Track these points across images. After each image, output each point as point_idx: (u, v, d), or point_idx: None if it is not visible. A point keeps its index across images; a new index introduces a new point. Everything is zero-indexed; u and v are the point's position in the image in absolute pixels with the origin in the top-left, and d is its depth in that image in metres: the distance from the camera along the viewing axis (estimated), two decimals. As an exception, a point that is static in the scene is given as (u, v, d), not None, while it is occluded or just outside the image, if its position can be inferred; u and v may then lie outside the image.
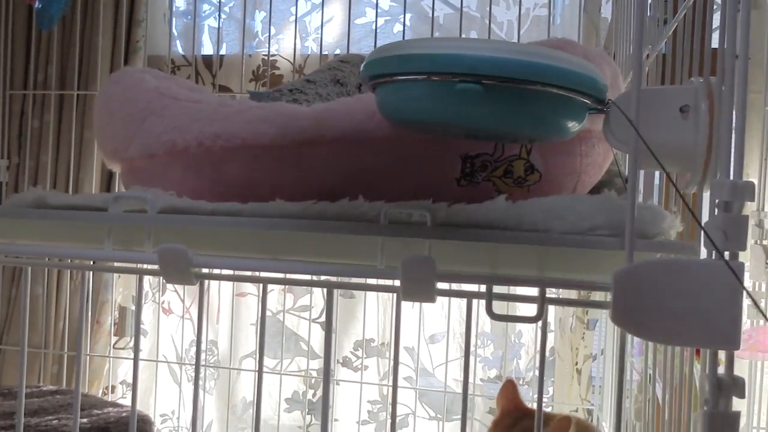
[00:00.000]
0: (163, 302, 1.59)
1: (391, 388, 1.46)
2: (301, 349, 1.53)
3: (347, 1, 1.48)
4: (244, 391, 1.56)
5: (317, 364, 1.53)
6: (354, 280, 0.89)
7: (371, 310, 1.46)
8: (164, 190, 0.80)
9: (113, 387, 1.59)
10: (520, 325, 1.47)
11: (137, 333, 0.60)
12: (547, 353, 1.49)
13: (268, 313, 1.54)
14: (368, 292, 1.44)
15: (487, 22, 1.43)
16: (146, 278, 1.53)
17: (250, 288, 1.54)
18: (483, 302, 0.56)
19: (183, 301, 1.59)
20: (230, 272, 0.63)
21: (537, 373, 1.47)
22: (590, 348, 1.43)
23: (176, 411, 1.61)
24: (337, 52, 1.55)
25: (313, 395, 1.52)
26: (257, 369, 1.15)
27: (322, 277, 0.63)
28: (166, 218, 0.61)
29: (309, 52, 1.58)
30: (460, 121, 0.65)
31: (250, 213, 0.61)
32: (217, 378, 1.57)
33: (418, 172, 0.79)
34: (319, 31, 1.52)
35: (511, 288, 1.01)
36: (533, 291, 0.58)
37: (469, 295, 0.58)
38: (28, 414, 1.23)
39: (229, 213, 0.61)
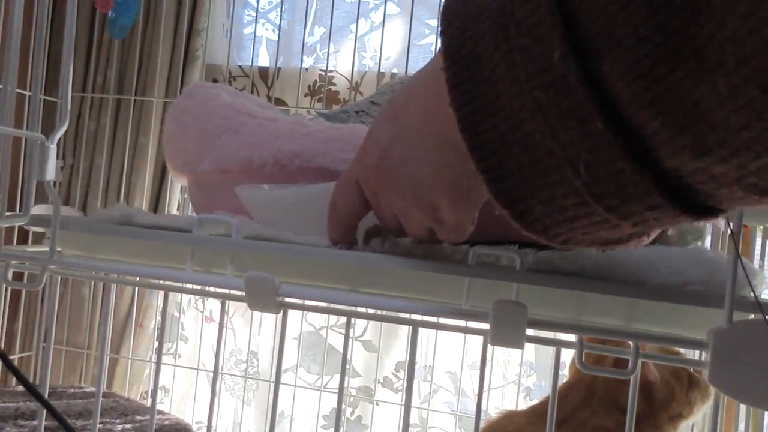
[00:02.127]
0: (205, 310, 1.60)
1: (428, 412, 1.44)
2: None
3: (408, 22, 1.48)
4: (282, 405, 1.55)
5: (357, 382, 1.52)
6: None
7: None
8: (234, 205, 0.80)
9: (150, 392, 1.60)
10: (564, 356, 1.45)
11: (161, 340, 0.60)
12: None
13: (309, 328, 1.54)
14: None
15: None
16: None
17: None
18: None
19: (227, 311, 1.59)
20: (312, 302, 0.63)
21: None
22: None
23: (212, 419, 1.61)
24: (395, 71, 1.55)
25: (352, 413, 1.51)
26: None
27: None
28: (252, 244, 0.61)
29: (366, 70, 1.58)
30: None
31: (325, 245, 0.60)
32: (256, 390, 1.57)
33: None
34: (378, 50, 1.52)
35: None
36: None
37: (559, 344, 0.57)
38: (74, 416, 1.24)
39: (314, 244, 0.60)
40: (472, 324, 0.59)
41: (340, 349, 1.54)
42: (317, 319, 1.53)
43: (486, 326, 0.58)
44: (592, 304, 0.60)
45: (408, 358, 0.54)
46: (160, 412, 1.35)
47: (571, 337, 0.58)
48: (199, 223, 0.63)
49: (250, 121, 0.86)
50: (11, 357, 1.60)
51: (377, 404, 1.48)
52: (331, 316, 1.50)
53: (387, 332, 1.48)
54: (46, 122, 1.47)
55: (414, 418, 1.48)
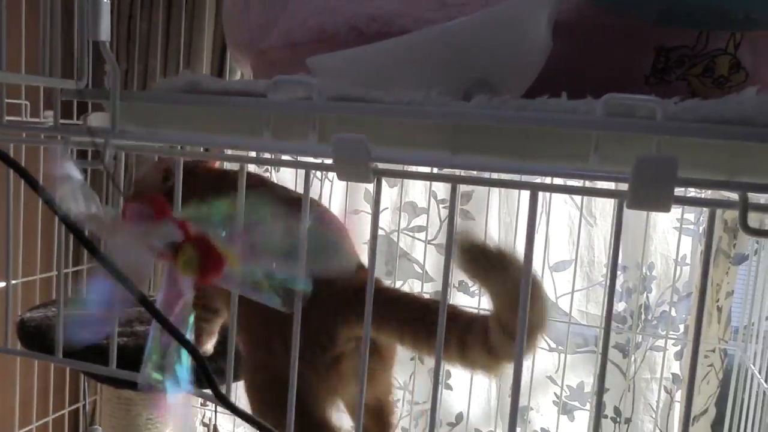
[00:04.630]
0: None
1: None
2: (415, 271, 1.46)
3: None
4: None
5: (431, 287, 1.46)
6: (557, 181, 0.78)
7: (492, 232, 1.37)
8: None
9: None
10: (652, 256, 1.35)
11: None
12: (682, 288, 1.37)
13: (380, 232, 1.47)
14: (489, 213, 1.34)
15: None
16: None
17: (363, 205, 1.47)
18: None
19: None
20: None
21: (668, 308, 1.36)
22: (733, 285, 1.30)
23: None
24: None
25: (426, 319, 1.46)
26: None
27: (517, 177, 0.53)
28: (338, 106, 0.53)
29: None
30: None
31: (435, 104, 0.51)
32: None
33: (602, 64, 0.68)
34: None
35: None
36: None
37: (714, 204, 0.47)
38: (144, 322, 1.21)
39: (412, 103, 0.51)
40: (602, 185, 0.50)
41: (412, 253, 1.47)
42: (387, 222, 1.46)
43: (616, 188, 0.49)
44: (748, 162, 0.50)
45: (527, 230, 0.45)
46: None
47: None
48: (275, 86, 0.55)
49: (320, -15, 0.76)
50: (80, 267, 1.60)
51: (453, 309, 1.42)
52: (403, 215, 1.43)
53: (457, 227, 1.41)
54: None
55: (492, 322, 1.41)
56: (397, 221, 1.45)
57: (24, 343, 1.17)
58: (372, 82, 0.56)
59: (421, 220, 1.45)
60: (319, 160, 0.56)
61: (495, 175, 0.52)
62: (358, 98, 0.53)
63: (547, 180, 0.83)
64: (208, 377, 0.45)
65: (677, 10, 0.58)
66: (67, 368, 1.57)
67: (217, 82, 0.57)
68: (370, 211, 1.46)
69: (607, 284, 1.33)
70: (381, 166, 0.51)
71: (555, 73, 0.61)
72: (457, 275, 1.43)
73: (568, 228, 1.36)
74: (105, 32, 0.54)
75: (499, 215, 1.39)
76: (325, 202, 1.48)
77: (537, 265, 1.36)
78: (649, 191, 0.45)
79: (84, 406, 1.66)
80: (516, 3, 0.53)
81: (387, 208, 1.46)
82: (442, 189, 1.40)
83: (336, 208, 1.48)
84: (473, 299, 1.43)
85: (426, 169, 0.83)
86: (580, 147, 0.50)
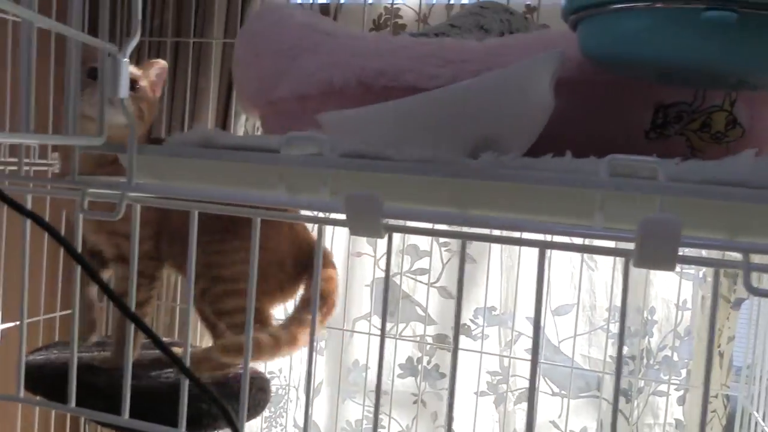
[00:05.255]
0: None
1: (510, 360, 1.38)
2: (417, 314, 1.47)
3: (479, -55, 1.37)
4: (357, 354, 1.51)
5: (433, 330, 1.46)
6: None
7: (494, 275, 1.38)
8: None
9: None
10: (653, 301, 1.36)
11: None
12: (683, 332, 1.37)
13: (383, 275, 1.48)
14: (491, 257, 1.35)
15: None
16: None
17: (366, 248, 1.48)
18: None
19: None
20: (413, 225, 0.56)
21: (670, 353, 1.36)
22: (734, 330, 1.30)
23: (283, 369, 1.58)
24: (464, 0, 1.45)
25: (428, 362, 1.46)
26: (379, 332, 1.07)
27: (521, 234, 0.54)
28: (350, 162, 0.54)
29: (434, 1, 1.48)
30: (695, 57, 0.55)
31: (443, 162, 0.53)
32: (328, 338, 1.53)
33: (602, 120, 0.70)
34: (446, -22, 1.42)
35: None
36: None
37: (718, 265, 0.49)
38: (146, 366, 1.20)
39: (421, 160, 0.53)
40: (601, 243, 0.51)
41: (414, 296, 1.48)
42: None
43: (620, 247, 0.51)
44: (752, 221, 0.51)
45: (536, 281, 0.46)
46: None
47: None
48: (288, 142, 0.56)
49: (329, 40, 0.78)
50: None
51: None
52: (405, 261, 1.44)
53: (465, 279, 1.41)
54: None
55: (495, 366, 1.42)
56: (399, 264, 1.46)
57: (27, 387, 1.16)
58: (381, 139, 0.58)
59: (423, 263, 1.46)
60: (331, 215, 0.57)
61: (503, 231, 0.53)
62: (368, 155, 0.55)
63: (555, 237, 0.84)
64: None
65: (675, 72, 0.60)
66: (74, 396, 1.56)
67: (231, 138, 0.59)
68: (373, 254, 1.48)
69: (608, 332, 1.33)
70: (392, 222, 0.52)
71: (558, 128, 0.62)
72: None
73: (570, 272, 1.37)
74: (124, 90, 0.56)
75: (501, 258, 1.40)
76: (328, 243, 1.50)
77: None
78: (655, 251, 0.46)
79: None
80: (521, 66, 0.55)
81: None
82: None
83: (340, 250, 1.49)
84: (476, 342, 1.44)
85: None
86: (585, 204, 0.52)
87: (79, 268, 0.54)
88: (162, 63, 0.98)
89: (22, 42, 0.48)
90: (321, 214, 0.56)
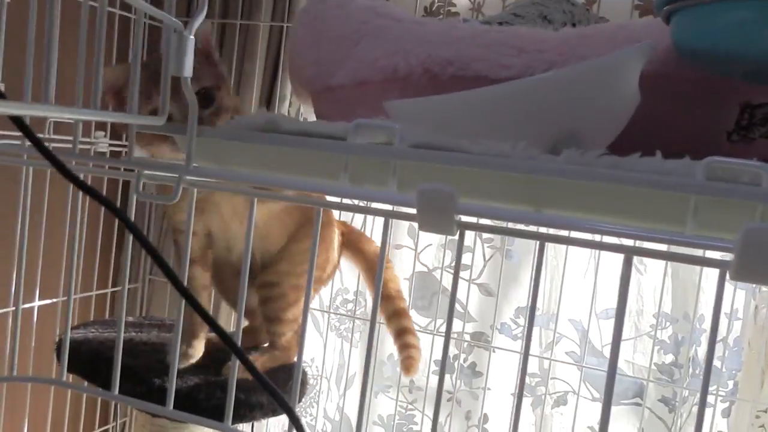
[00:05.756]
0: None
1: (550, 362, 1.34)
2: (456, 310, 1.44)
3: (538, -67, 1.33)
4: (392, 348, 1.48)
5: (471, 327, 1.43)
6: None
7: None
8: (372, 123, 0.70)
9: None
10: (702, 308, 1.31)
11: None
12: (732, 343, 1.32)
13: (422, 268, 1.45)
14: (536, 255, 1.31)
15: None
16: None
17: (407, 240, 1.45)
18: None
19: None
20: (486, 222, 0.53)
21: (719, 363, 1.31)
22: (788, 343, 1.25)
23: (315, 359, 1.56)
24: (520, -10, 1.41)
25: (465, 360, 1.43)
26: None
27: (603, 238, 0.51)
28: (422, 154, 0.51)
29: (488, -10, 1.44)
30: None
31: (523, 157, 0.49)
32: (363, 331, 1.51)
33: (685, 118, 0.66)
34: (502, -34, 1.38)
35: None
36: None
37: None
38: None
39: (500, 155, 0.50)
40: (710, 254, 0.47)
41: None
42: (430, 259, 1.44)
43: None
44: None
45: (618, 292, 0.43)
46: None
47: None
48: (356, 130, 0.53)
49: (394, 25, 0.75)
50: (118, 288, 1.59)
51: (494, 351, 1.39)
52: (446, 256, 1.41)
53: (506, 275, 1.38)
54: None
55: (534, 367, 1.38)
56: (440, 258, 1.43)
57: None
58: (454, 130, 0.55)
59: (465, 259, 1.42)
60: (398, 208, 0.54)
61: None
62: (441, 147, 0.51)
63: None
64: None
65: (765, 69, 0.56)
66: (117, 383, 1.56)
67: (296, 123, 0.56)
68: (413, 247, 1.45)
69: (654, 339, 1.29)
70: (465, 218, 0.49)
71: (634, 125, 0.59)
72: (499, 317, 1.40)
73: (617, 275, 1.32)
74: (188, 68, 0.53)
75: (545, 257, 1.36)
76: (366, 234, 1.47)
77: (584, 313, 1.33)
78: (757, 264, 0.42)
79: (114, 428, 1.65)
80: (611, 58, 0.51)
81: (430, 245, 1.44)
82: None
83: (378, 240, 1.46)
84: (515, 342, 1.40)
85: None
86: (676, 209, 0.48)
87: (129, 248, 0.52)
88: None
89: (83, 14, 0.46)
90: (388, 207, 0.53)
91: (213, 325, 0.48)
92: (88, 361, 1.14)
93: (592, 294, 1.29)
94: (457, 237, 0.51)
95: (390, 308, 1.15)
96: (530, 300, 0.47)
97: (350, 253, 1.15)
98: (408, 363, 1.15)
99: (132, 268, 1.63)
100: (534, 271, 0.50)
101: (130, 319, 1.40)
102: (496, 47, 0.67)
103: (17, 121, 0.33)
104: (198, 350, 1.11)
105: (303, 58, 0.82)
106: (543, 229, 0.57)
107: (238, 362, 0.54)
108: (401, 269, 1.46)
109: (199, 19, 0.54)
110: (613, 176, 0.47)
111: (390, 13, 0.76)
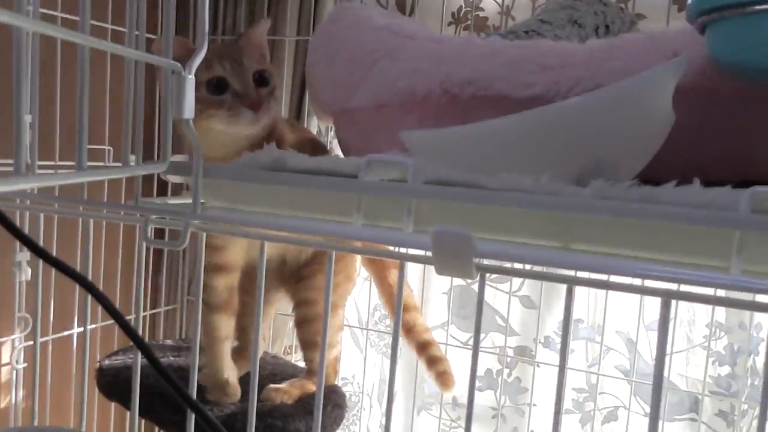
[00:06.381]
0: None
1: (598, 377, 1.29)
2: (497, 324, 1.39)
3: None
4: (433, 365, 1.45)
5: (514, 341, 1.38)
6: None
7: (580, 293, 1.28)
8: (392, 146, 0.67)
9: (295, 347, 1.54)
10: (759, 316, 1.24)
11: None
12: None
13: (461, 282, 1.41)
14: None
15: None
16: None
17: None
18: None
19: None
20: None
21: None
22: None
23: (356, 375, 1.54)
24: (550, -10, 1.35)
25: (508, 375, 1.38)
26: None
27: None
28: (437, 191, 0.48)
29: (517, -8, 1.39)
30: None
31: (546, 192, 0.46)
32: (402, 346, 1.47)
33: (726, 137, 0.60)
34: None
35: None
36: None
37: None
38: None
39: (520, 190, 0.46)
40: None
41: (494, 305, 1.40)
42: (468, 272, 1.40)
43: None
44: None
45: (658, 333, 0.39)
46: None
47: None
48: (367, 166, 0.50)
49: (410, 44, 0.71)
50: (156, 310, 1.60)
51: (538, 366, 1.34)
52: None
53: (548, 288, 1.33)
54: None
55: (581, 383, 1.33)
56: (478, 271, 1.38)
57: (102, 392, 1.16)
58: (473, 163, 0.51)
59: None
60: (414, 251, 0.51)
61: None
62: (457, 183, 0.48)
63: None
64: None
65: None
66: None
67: (303, 160, 0.53)
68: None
69: (708, 350, 1.22)
70: (486, 262, 0.46)
71: (668, 143, 0.54)
72: (543, 330, 1.35)
73: (666, 284, 1.26)
74: (189, 110, 0.51)
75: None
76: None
77: (632, 324, 1.27)
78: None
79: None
80: (641, 79, 0.47)
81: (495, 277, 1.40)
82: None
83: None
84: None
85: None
86: (719, 244, 0.44)
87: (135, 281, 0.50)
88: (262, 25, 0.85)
89: (79, 67, 0.44)
90: (403, 250, 0.49)
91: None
92: (127, 390, 1.14)
93: (639, 304, 1.23)
94: (477, 279, 0.47)
95: (407, 324, 1.12)
96: (564, 320, 0.43)
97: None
98: (444, 378, 1.11)
99: (170, 289, 1.63)
100: (564, 320, 0.46)
101: (170, 342, 1.40)
102: (517, 65, 0.63)
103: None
104: (237, 390, 1.07)
105: (320, 78, 0.80)
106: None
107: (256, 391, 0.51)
108: (439, 284, 1.42)
109: (199, 58, 0.51)
110: (646, 211, 0.42)
111: (405, 32, 0.72)
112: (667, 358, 1.25)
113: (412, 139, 0.55)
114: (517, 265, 0.48)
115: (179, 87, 0.50)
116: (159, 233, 0.64)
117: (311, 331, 1.06)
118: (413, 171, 0.49)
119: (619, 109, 0.46)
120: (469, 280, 1.40)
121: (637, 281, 0.47)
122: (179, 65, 0.50)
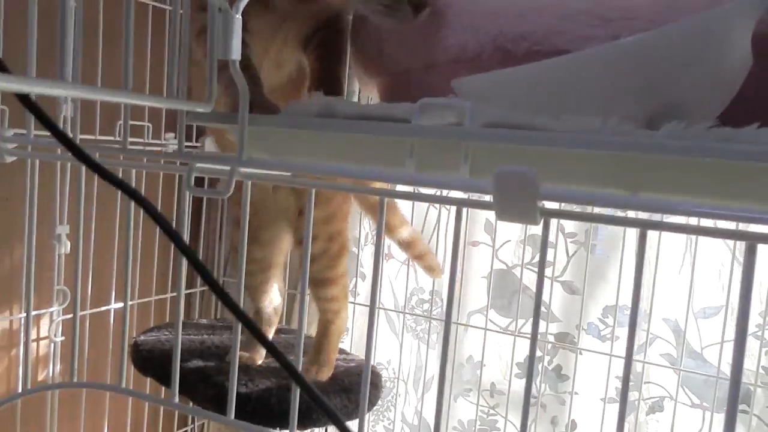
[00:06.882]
0: (384, 246, 1.49)
1: (644, 365, 1.24)
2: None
3: None
4: (471, 350, 1.42)
5: (555, 328, 1.34)
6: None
7: (627, 271, 1.24)
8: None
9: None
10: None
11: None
12: None
13: (501, 266, 1.38)
14: (625, 249, 1.22)
15: None
16: (366, 219, 1.42)
17: (483, 236, 1.38)
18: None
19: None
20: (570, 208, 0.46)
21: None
22: None
23: (391, 361, 1.51)
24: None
25: (549, 362, 1.35)
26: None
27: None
28: (497, 134, 0.45)
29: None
30: None
31: (617, 133, 0.42)
32: (439, 332, 1.45)
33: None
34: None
35: None
36: None
37: None
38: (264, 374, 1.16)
39: (589, 131, 0.43)
40: None
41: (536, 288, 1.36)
42: (509, 256, 1.37)
43: None
44: None
45: (741, 284, 0.35)
46: (343, 351, 1.26)
47: None
48: (422, 110, 0.48)
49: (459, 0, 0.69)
50: (192, 290, 1.59)
51: (581, 353, 1.30)
52: (526, 252, 1.33)
53: (592, 272, 1.29)
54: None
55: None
56: (520, 255, 1.35)
57: (137, 367, 1.16)
58: (529, 108, 0.48)
59: (547, 255, 1.34)
60: (471, 195, 0.48)
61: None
62: (518, 125, 0.45)
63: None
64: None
65: None
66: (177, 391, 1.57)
67: (354, 107, 0.51)
68: (491, 244, 1.37)
69: (762, 339, 1.17)
70: (549, 205, 0.43)
71: (743, 95, 0.50)
72: (586, 317, 1.31)
73: (717, 270, 1.21)
74: (236, 51, 0.49)
75: (636, 251, 1.26)
76: (441, 231, 1.41)
77: (680, 312, 1.23)
78: None
79: (192, 429, 1.65)
80: (716, 14, 0.44)
81: (509, 240, 1.37)
82: (570, 222, 1.29)
83: (451, 237, 1.40)
84: (604, 344, 1.31)
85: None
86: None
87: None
88: None
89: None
90: (461, 195, 0.47)
91: (261, 339, 0.43)
92: (161, 365, 1.13)
93: (689, 290, 1.18)
94: (540, 227, 0.44)
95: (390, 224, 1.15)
96: (633, 294, 0.40)
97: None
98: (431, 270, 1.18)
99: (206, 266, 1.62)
100: (636, 265, 0.43)
101: (204, 321, 1.39)
102: (576, 17, 0.60)
103: (25, 101, 0.29)
104: (261, 354, 1.13)
105: (363, 42, 0.77)
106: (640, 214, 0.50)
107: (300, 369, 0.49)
108: (479, 267, 1.39)
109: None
110: (729, 150, 0.39)
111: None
112: (717, 347, 1.20)
113: (465, 86, 0.52)
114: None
115: (226, 26, 0.48)
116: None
117: (319, 268, 1.08)
118: (471, 113, 0.46)
119: (693, 46, 0.43)
120: (517, 254, 1.36)
121: (720, 224, 0.43)
122: (226, 3, 0.48)
